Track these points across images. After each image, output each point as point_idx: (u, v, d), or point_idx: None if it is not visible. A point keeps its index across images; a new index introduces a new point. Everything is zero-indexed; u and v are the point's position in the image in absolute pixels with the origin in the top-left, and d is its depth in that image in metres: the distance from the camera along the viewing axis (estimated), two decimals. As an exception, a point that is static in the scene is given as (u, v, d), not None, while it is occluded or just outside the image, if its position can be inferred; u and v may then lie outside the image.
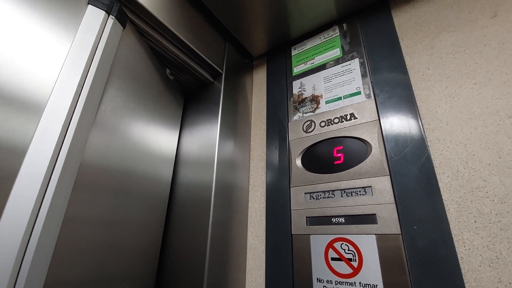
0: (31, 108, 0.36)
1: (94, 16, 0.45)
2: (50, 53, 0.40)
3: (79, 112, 0.40)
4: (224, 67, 0.74)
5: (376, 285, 0.46)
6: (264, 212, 0.66)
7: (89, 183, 0.43)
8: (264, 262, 0.61)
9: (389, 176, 0.51)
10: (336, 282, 0.50)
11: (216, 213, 0.59)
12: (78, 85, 0.40)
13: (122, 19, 0.50)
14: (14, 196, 0.32)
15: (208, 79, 0.73)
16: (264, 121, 0.76)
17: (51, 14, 0.41)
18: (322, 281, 0.52)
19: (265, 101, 0.78)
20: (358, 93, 0.61)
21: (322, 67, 0.70)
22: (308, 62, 0.73)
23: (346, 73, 0.64)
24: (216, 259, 0.57)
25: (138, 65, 0.56)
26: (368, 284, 0.47)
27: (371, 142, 0.55)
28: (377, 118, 0.56)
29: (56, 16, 0.41)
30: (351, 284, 0.49)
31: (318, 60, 0.71)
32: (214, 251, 0.57)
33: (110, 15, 0.47)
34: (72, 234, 0.39)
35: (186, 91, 0.78)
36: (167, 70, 0.68)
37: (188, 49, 0.64)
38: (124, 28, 0.51)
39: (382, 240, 0.48)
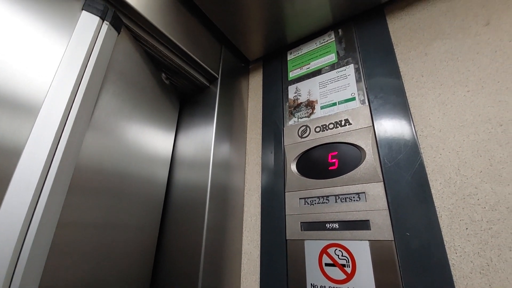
0: (25, 112, 0.36)
1: (88, 21, 0.45)
2: (44, 57, 0.40)
3: (73, 117, 0.40)
4: (220, 71, 0.74)
5: (369, 291, 0.47)
6: (259, 216, 0.66)
7: (84, 186, 0.43)
8: (259, 267, 0.61)
9: (382, 182, 0.51)
10: (330, 288, 0.51)
11: (211, 216, 0.59)
12: (73, 90, 0.40)
13: (116, 25, 0.50)
14: (8, 199, 0.32)
15: (203, 83, 0.73)
16: (260, 125, 0.76)
17: (46, 19, 0.41)
18: (316, 286, 0.52)
19: (261, 105, 0.78)
20: (353, 99, 0.61)
21: (317, 72, 0.70)
22: (303, 67, 0.73)
23: (341, 78, 0.65)
24: (211, 264, 0.57)
25: (133, 70, 0.56)
26: (361, 290, 0.48)
27: (365, 148, 0.55)
28: (371, 124, 0.56)
29: (50, 21, 0.41)
30: (344, 290, 0.49)
31: (314, 65, 0.71)
32: (209, 255, 0.57)
33: (105, 21, 0.47)
34: (66, 238, 0.39)
35: (181, 95, 0.78)
36: (163, 74, 0.68)
37: (183, 54, 0.64)
38: (118, 33, 0.51)
39: (375, 246, 0.49)
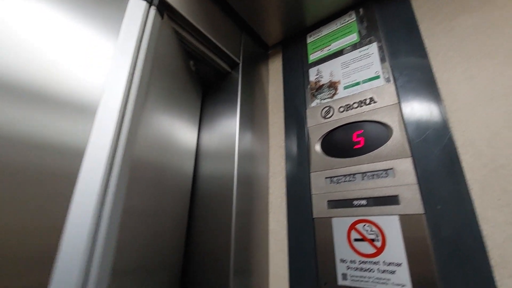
0: (83, 112, 0.38)
1: (137, 8, 0.45)
2: (96, 53, 0.41)
3: (129, 111, 0.41)
4: (241, 57, 0.75)
5: (401, 263, 0.48)
6: (284, 197, 0.68)
7: (136, 177, 0.44)
8: (287, 246, 0.63)
9: (411, 158, 0.52)
10: (360, 262, 0.52)
11: (239, 202, 0.61)
12: (126, 85, 0.41)
13: (161, 9, 0.49)
14: (78, 193, 0.34)
15: (225, 69, 0.74)
16: (282, 109, 0.77)
17: (94, 12, 0.42)
18: (346, 261, 0.53)
19: (282, 89, 0.79)
20: (377, 77, 0.61)
21: (339, 53, 0.70)
22: (324, 49, 0.73)
23: (364, 58, 0.65)
24: (241, 245, 0.58)
25: (171, 58, 0.56)
26: (392, 263, 0.49)
27: (391, 126, 0.55)
28: (397, 102, 0.56)
29: (99, 13, 0.42)
30: (375, 263, 0.50)
31: (335, 46, 0.71)
32: (239, 238, 0.58)
33: (152, 5, 0.47)
34: (126, 225, 0.41)
35: (203, 83, 0.79)
36: (191, 61, 0.69)
37: (207, 40, 0.65)
38: (162, 19, 0.51)
39: (406, 220, 0.49)
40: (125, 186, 0.39)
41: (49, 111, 0.35)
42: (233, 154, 0.64)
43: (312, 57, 0.75)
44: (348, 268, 0.53)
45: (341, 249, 0.55)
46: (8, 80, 0.32)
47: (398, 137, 0.54)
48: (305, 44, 0.79)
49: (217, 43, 0.67)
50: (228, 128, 0.68)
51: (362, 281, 0.51)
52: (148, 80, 0.46)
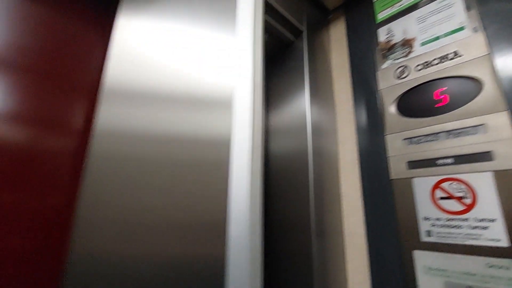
0: (224, 109, 0.43)
1: None
2: (217, 45, 0.45)
3: (259, 103, 0.44)
4: (304, 25, 0.74)
5: (495, 219, 0.47)
6: (356, 162, 0.69)
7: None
8: (361, 207, 0.65)
9: (507, 111, 0.49)
10: (446, 219, 0.52)
11: (315, 172, 0.63)
12: (253, 71, 0.43)
13: None
14: (235, 177, 0.40)
15: (289, 39, 0.74)
16: (347, 74, 0.76)
17: (210, 16, 0.46)
18: (430, 219, 0.54)
19: (346, 54, 0.77)
20: (461, 28, 0.57)
21: (413, 7, 0.66)
22: (395, 5, 0.69)
23: (444, 9, 0.60)
24: (318, 210, 0.62)
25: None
26: (484, 219, 0.48)
27: (482, 79, 0.52)
28: (488, 53, 0.52)
29: (215, 15, 0.46)
30: (464, 219, 0.50)
31: (408, 0, 0.67)
32: (316, 203, 0.62)
33: None
34: None
35: (266, 55, 0.81)
36: (266, 35, 0.70)
37: (273, 10, 0.65)
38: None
39: (501, 175, 0.48)
40: (262, 167, 0.43)
41: (198, 113, 0.42)
42: (306, 128, 0.66)
43: (381, 16, 0.72)
44: (433, 226, 0.53)
45: (424, 208, 0.55)
46: (170, 96, 0.40)
47: (490, 90, 0.51)
48: (371, 3, 0.75)
49: (282, 12, 0.67)
50: (298, 101, 0.69)
51: (449, 237, 0.51)
52: (263, 65, 0.47)
